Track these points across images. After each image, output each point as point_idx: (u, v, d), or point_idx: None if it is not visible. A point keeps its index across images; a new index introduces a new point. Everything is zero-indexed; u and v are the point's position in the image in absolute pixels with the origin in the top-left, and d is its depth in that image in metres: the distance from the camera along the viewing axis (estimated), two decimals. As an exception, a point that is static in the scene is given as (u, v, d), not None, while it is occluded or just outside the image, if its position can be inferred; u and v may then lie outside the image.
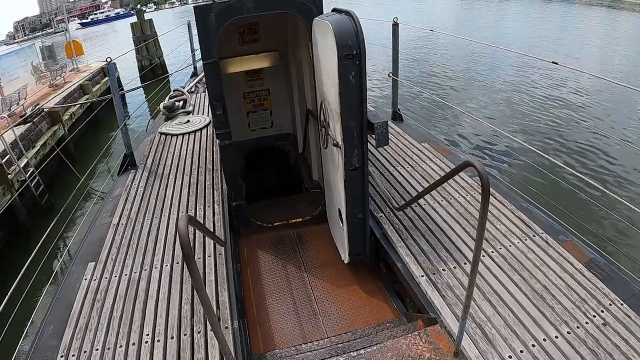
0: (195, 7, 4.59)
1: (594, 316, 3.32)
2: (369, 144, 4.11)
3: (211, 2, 4.52)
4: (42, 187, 12.31)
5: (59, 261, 8.03)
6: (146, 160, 6.62)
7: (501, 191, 5.17)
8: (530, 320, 3.37)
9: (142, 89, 19.03)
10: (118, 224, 5.06)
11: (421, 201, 5.01)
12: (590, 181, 5.25)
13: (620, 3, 46.42)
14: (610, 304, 3.42)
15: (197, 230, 4.75)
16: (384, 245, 4.58)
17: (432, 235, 4.50)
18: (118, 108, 6.48)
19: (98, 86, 20.87)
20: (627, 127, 14.12)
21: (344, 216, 4.40)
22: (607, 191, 4.94)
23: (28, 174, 12.06)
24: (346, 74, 3.68)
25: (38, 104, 15.56)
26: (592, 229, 8.21)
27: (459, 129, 14.41)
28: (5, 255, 10.23)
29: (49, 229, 4.72)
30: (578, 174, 5.41)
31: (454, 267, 4.03)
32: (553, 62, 5.09)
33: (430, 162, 6.01)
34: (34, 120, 14.05)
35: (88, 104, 17.44)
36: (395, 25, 6.92)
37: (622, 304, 3.41)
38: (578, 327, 3.24)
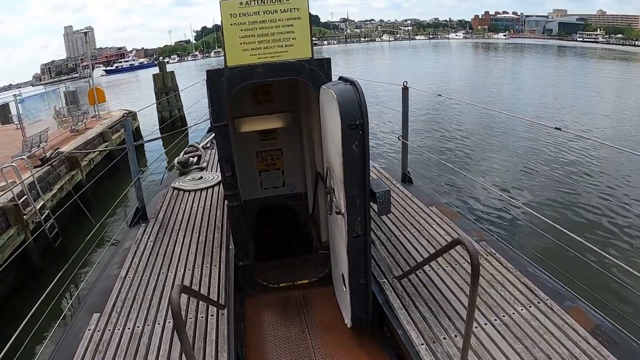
0: (207, 72, 4.80)
1: None
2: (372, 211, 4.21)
3: (223, 67, 4.73)
4: (56, 230, 12.47)
5: (65, 308, 8.12)
6: (157, 214, 6.80)
7: (507, 256, 5.16)
8: None
9: (161, 141, 19.43)
10: (125, 276, 5.17)
11: (425, 267, 5.02)
12: (596, 248, 5.27)
13: (632, 55, 47.26)
14: None
15: (201, 288, 4.85)
16: (385, 311, 4.58)
17: (434, 303, 4.49)
18: (132, 162, 6.69)
19: (118, 134, 21.34)
20: (633, 192, 14.19)
21: (346, 281, 4.45)
22: (613, 258, 4.93)
23: (43, 216, 12.25)
24: (349, 144, 3.81)
25: (58, 148, 15.97)
26: (598, 295, 8.15)
27: (467, 192, 14.47)
28: (16, 295, 10.32)
29: (60, 273, 4.86)
30: (584, 241, 5.44)
31: (455, 336, 4.00)
32: (556, 128, 5.27)
33: (437, 226, 6.04)
34: (53, 163, 14.35)
35: (107, 152, 17.82)
36: (405, 89, 7.10)
37: None
38: None
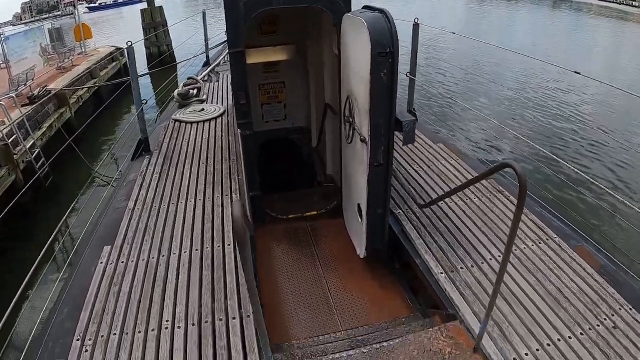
0: None
1: (605, 319, 3.42)
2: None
3: None
4: (47, 169, 12.24)
5: (74, 245, 8.01)
6: (161, 147, 6.60)
7: (515, 194, 5.14)
8: (545, 320, 3.45)
9: (150, 78, 18.94)
10: (134, 208, 5.04)
11: (440, 202, 5.06)
12: (604, 187, 5.28)
13: (628, 15, 46.69)
14: (620, 309, 3.51)
15: (215, 219, 4.77)
16: (402, 241, 4.61)
17: (450, 234, 4.55)
18: (136, 92, 6.44)
19: (106, 71, 20.80)
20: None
21: (363, 211, 4.43)
22: (619, 197, 4.97)
23: (34, 155, 12.02)
24: (378, 72, 3.70)
25: (46, 86, 15.55)
26: (603, 235, 8.22)
27: (473, 131, 14.42)
28: (8, 237, 10.17)
29: (67, 215, 4.70)
30: (591, 179, 5.44)
31: (472, 266, 4.08)
32: (575, 72, 5.16)
33: (447, 162, 6.05)
34: (42, 101, 13.99)
35: (96, 89, 17.40)
36: (416, 26, 6.90)
37: (631, 309, 3.51)
38: (590, 329, 3.33)
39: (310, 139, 7.33)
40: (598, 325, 3.37)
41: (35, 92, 14.50)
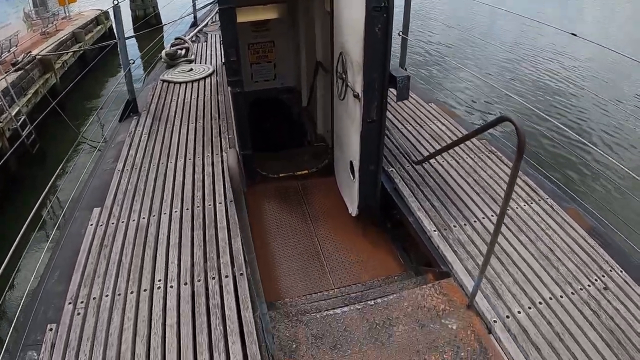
0: None
1: (596, 280, 3.46)
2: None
3: None
4: (33, 136, 12.06)
5: (62, 208, 7.89)
6: (149, 107, 6.45)
7: (507, 155, 5.20)
8: (537, 279, 3.47)
9: (135, 41, 18.53)
10: (123, 169, 4.94)
11: (430, 160, 5.03)
12: (597, 149, 5.23)
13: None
14: (611, 270, 3.56)
15: (205, 177, 4.71)
16: (394, 199, 4.58)
17: (442, 192, 4.54)
18: (123, 52, 6.25)
19: (91, 34, 20.35)
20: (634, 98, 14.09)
21: (356, 168, 4.37)
22: (611, 159, 4.95)
23: (19, 122, 11.81)
24: (372, 26, 3.59)
25: (30, 52, 15.21)
26: (595, 197, 8.22)
27: (465, 92, 14.26)
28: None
29: (53, 178, 4.59)
30: (584, 141, 5.38)
31: (464, 224, 4.08)
32: (572, 34, 5.07)
33: (438, 122, 6.00)
34: (26, 67, 13.72)
35: (81, 52, 17.06)
36: (408, -18, 6.71)
37: (621, 271, 3.55)
38: (581, 289, 3.38)
39: (300, 99, 7.20)
40: (589, 286, 3.41)
41: (19, 58, 14.18)
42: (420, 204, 4.36)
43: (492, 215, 4.15)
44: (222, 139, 5.38)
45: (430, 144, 5.43)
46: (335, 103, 4.99)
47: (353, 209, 4.70)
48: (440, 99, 7.21)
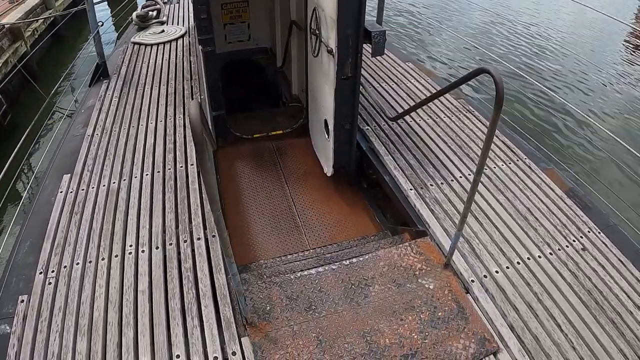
0: None
1: (574, 241, 3.48)
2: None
3: None
4: (4, 107, 11.70)
5: (31, 177, 7.69)
6: (119, 70, 6.22)
7: (484, 114, 5.14)
8: (514, 239, 3.46)
9: (107, 4, 18.01)
10: (93, 134, 4.77)
11: (407, 118, 4.94)
12: (578, 111, 5.17)
13: None
14: (589, 232, 3.58)
15: (177, 139, 4.59)
16: (370, 157, 4.51)
17: (418, 151, 4.47)
18: (91, 13, 5.96)
19: (61, 0, 19.74)
20: (614, 61, 14.06)
21: (330, 127, 4.25)
22: (592, 122, 4.94)
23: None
24: None
25: (-3, 21, 14.72)
26: (573, 160, 8.21)
27: (442, 52, 14.06)
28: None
29: (17, 147, 4.45)
30: (564, 101, 5.32)
31: (441, 183, 4.03)
32: None
33: (415, 81, 5.88)
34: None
35: (52, 19, 16.54)
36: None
37: (599, 233, 3.57)
38: (559, 250, 3.39)
39: (275, 60, 7.02)
40: (567, 246, 3.42)
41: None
42: (397, 163, 4.29)
43: (470, 175, 4.10)
44: (194, 100, 5.21)
45: (407, 103, 5.34)
46: (310, 60, 4.82)
47: (328, 169, 4.60)
48: (419, 60, 7.07)
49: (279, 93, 6.95)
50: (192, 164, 4.18)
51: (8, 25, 14.14)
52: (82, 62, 12.63)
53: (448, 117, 5.05)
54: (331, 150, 4.37)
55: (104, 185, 3.98)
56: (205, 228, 3.46)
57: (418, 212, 3.74)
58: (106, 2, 16.51)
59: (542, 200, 3.85)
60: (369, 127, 4.84)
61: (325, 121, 4.40)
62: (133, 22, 7.89)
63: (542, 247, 3.39)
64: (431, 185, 4.00)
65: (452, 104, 5.28)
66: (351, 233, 4.17)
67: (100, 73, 6.04)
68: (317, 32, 4.18)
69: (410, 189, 3.95)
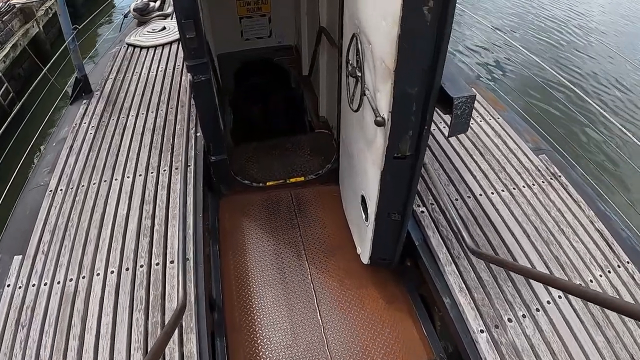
0: None
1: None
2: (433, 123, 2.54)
3: None
4: (12, 94, 10.71)
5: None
6: (104, 85, 4.91)
7: (575, 181, 3.70)
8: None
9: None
10: (56, 189, 3.57)
11: (475, 189, 3.54)
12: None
13: None
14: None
15: (156, 210, 3.34)
16: (423, 258, 3.10)
17: (499, 268, 2.97)
18: (63, 18, 4.65)
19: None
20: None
21: (371, 213, 2.93)
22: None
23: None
24: (419, 4, 1.92)
25: (8, 1, 13.67)
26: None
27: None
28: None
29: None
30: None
31: (523, 316, 2.66)
32: None
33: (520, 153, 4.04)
34: (4, 18, 12.22)
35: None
36: None
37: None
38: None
39: (301, 61, 5.68)
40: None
41: (-1, 8, 12.63)
42: (463, 278, 2.86)
43: (561, 298, 2.75)
44: (189, 139, 3.92)
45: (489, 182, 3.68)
46: (344, 108, 3.46)
47: (364, 256, 3.36)
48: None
49: (303, 108, 5.61)
50: (172, 261, 2.92)
51: (19, 5, 13.18)
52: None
53: (528, 185, 3.57)
54: (369, 240, 3.07)
55: (58, 283, 2.86)
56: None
57: None
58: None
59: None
60: (424, 210, 3.35)
61: (363, 198, 3.07)
62: (131, 16, 6.54)
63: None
64: (509, 320, 2.62)
65: (531, 162, 3.82)
66: (391, 354, 2.96)
67: (81, 88, 4.80)
68: (359, 73, 2.65)
69: (481, 331, 2.58)
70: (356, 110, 2.73)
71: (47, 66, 6.12)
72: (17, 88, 11.03)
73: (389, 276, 3.39)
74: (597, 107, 4.38)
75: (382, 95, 2.32)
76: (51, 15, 14.74)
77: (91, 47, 12.53)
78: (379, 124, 2.32)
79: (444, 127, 4.14)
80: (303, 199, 4.10)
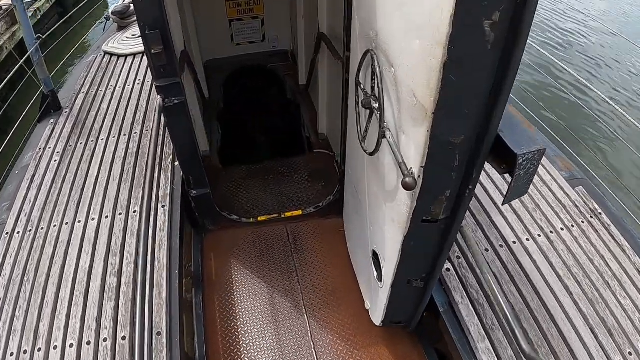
0: None
1: None
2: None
3: None
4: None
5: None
6: (75, 100, 4.30)
7: (618, 219, 3.13)
8: None
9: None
10: (13, 232, 3.00)
11: (505, 231, 2.95)
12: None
13: None
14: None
15: (123, 265, 2.75)
16: (446, 323, 2.54)
17: (533, 324, 2.48)
18: (25, 26, 4.03)
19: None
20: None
21: (387, 276, 2.34)
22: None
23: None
24: (479, 17, 1.26)
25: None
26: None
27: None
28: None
29: None
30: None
31: None
32: None
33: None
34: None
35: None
36: None
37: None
38: None
39: (297, 69, 5.11)
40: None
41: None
42: (494, 349, 2.33)
43: None
44: (163, 170, 3.30)
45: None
46: (351, 147, 2.85)
47: (375, 317, 2.79)
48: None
49: (300, 122, 5.03)
50: (141, 335, 2.31)
51: (5, 7, 12.73)
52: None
53: (567, 227, 2.99)
54: (383, 303, 2.48)
55: (11, 355, 2.33)
56: None
57: None
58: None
59: None
60: (450, 268, 2.73)
61: (376, 253, 2.48)
62: (111, 20, 5.91)
63: None
64: None
65: (568, 196, 3.23)
66: None
67: (48, 105, 4.22)
68: (375, 105, 1.96)
69: None
70: (372, 154, 2.07)
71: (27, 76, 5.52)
72: (2, 93, 10.53)
73: (402, 331, 2.84)
74: (634, 121, 3.63)
75: (410, 142, 1.69)
76: (39, 17, 14.28)
77: (83, 51, 12.07)
78: (409, 187, 1.65)
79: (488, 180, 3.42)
80: (300, 236, 3.53)
